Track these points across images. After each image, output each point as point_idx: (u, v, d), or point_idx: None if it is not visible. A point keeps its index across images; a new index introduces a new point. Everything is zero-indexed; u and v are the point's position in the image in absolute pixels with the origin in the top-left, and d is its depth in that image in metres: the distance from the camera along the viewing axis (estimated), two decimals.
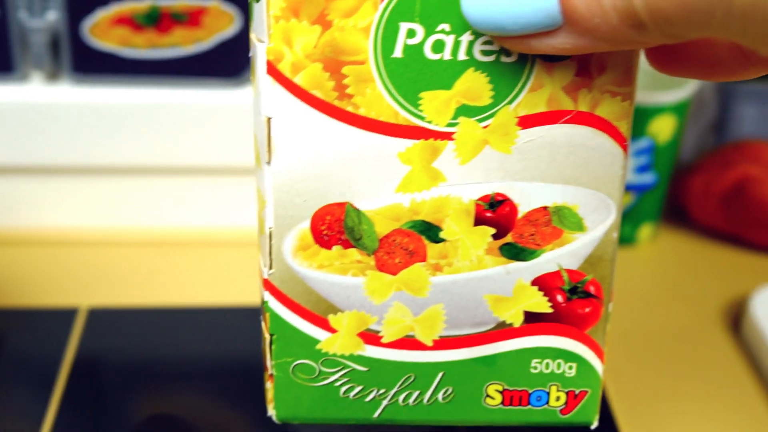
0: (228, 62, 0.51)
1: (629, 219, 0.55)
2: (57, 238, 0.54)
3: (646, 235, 0.56)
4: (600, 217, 0.31)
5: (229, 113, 0.51)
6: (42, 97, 0.51)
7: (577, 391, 0.33)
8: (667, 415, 0.43)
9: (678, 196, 0.58)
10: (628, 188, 0.54)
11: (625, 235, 0.56)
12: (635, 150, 0.53)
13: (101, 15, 0.49)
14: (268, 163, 0.30)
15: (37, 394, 0.42)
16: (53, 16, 0.49)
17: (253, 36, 0.29)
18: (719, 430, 0.43)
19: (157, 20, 0.49)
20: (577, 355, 0.32)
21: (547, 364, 0.33)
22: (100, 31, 0.49)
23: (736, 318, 0.51)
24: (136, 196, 0.54)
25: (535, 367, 0.33)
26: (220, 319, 0.48)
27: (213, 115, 0.51)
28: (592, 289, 0.32)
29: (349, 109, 0.29)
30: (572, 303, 0.32)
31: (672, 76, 0.29)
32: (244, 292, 0.50)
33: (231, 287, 0.50)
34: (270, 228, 0.31)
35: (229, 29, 0.49)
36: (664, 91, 0.51)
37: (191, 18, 0.49)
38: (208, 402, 0.43)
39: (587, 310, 0.32)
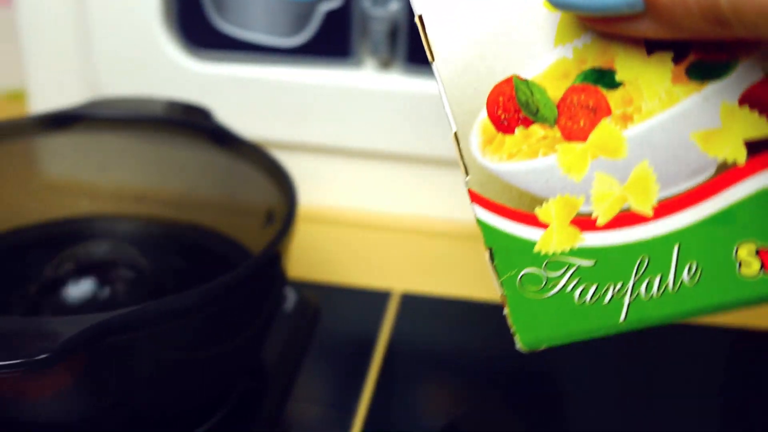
0: None
1: None
2: (376, 222, 0.55)
3: None
4: None
5: None
6: (373, 84, 0.53)
7: None
8: None
9: None
10: None
11: None
12: None
13: None
14: (433, 62, 0.30)
15: (354, 370, 0.44)
16: (395, 6, 0.52)
17: None
18: None
19: None
20: None
21: None
22: None
23: None
24: (459, 188, 0.54)
25: None
26: None
27: None
28: None
29: None
30: None
31: None
32: None
33: None
34: (455, 131, 0.30)
35: None
36: None
37: None
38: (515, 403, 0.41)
39: None
